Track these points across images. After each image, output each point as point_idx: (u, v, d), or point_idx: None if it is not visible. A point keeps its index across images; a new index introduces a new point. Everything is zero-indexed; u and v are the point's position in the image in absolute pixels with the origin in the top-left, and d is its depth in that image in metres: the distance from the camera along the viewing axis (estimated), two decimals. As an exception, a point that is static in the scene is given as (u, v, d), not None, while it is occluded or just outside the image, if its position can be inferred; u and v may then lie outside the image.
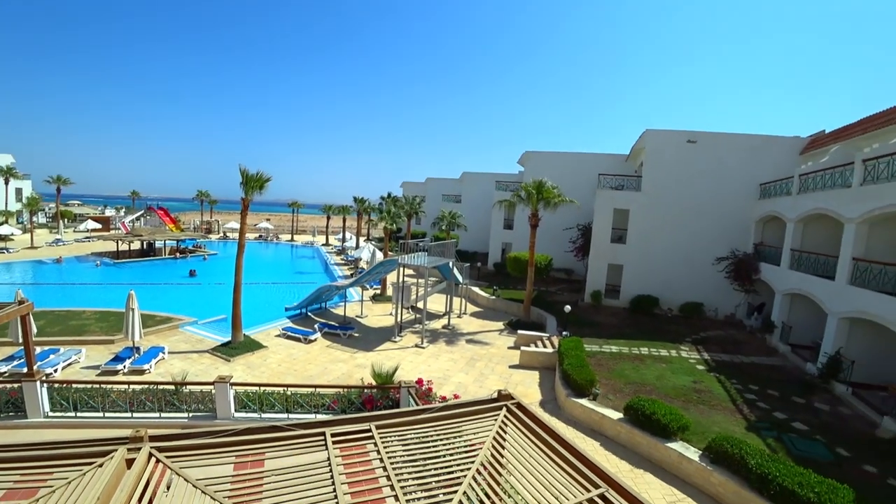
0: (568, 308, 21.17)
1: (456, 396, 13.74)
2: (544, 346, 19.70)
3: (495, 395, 6.49)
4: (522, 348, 19.22)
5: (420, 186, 62.31)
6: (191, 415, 13.23)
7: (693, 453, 11.00)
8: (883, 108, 18.80)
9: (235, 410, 13.19)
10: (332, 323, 23.03)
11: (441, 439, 5.51)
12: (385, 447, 5.21)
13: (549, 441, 5.22)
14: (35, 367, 13.15)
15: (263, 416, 13.18)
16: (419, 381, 13.17)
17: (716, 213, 25.67)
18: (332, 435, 5.35)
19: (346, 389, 13.45)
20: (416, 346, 20.68)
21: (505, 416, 5.98)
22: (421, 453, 5.19)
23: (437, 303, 27.61)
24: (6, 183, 55.34)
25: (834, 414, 13.85)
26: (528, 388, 16.36)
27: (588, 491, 4.35)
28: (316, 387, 13.54)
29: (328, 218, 64.50)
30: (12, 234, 47.66)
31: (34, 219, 54.78)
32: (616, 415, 13.00)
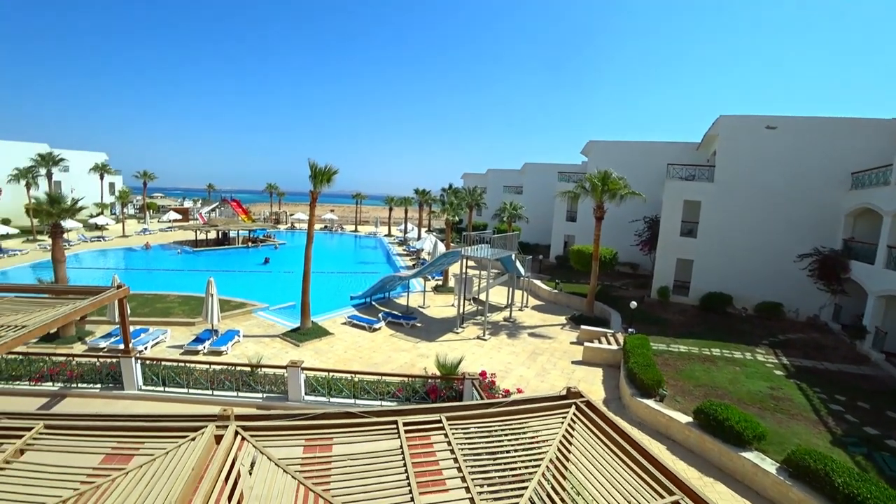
0: (634, 304, 20.61)
1: (519, 390, 13.84)
2: (608, 343, 19.30)
3: (564, 392, 6.46)
4: (586, 344, 18.92)
5: (481, 178, 62.24)
6: (265, 395, 14.10)
7: (770, 465, 10.40)
8: None
9: (305, 394, 13.89)
10: (396, 312, 23.66)
11: (508, 434, 5.55)
12: (455, 439, 5.31)
13: (620, 443, 5.15)
14: (130, 345, 14.43)
15: (332, 400, 13.80)
16: (482, 374, 13.33)
17: (798, 205, 23.78)
18: (405, 424, 5.48)
19: (410, 378, 13.83)
20: (478, 337, 20.87)
21: (574, 414, 5.94)
22: (489, 447, 5.27)
23: (498, 295, 27.67)
24: (101, 178, 60.96)
25: (935, 430, 12.65)
26: (591, 386, 16.14)
27: (661, 497, 4.27)
28: (382, 374, 14.06)
29: (390, 209, 65.84)
30: (107, 224, 52.53)
31: (125, 210, 60.03)
32: (685, 418, 12.54)
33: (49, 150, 49.90)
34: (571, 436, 5.48)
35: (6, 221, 47.90)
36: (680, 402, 13.63)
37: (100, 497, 4.10)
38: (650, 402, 13.47)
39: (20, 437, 4.87)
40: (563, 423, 5.76)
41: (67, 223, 30.87)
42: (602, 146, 36.97)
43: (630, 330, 19.26)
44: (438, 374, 13.87)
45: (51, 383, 14.46)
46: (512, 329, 22.50)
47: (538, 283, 30.52)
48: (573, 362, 18.33)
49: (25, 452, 4.79)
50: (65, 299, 12.11)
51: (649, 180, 30.22)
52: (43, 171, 47.15)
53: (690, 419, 12.41)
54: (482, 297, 22.92)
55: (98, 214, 55.21)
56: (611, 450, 5.11)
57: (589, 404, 6.10)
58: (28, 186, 45.87)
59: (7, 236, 42.83)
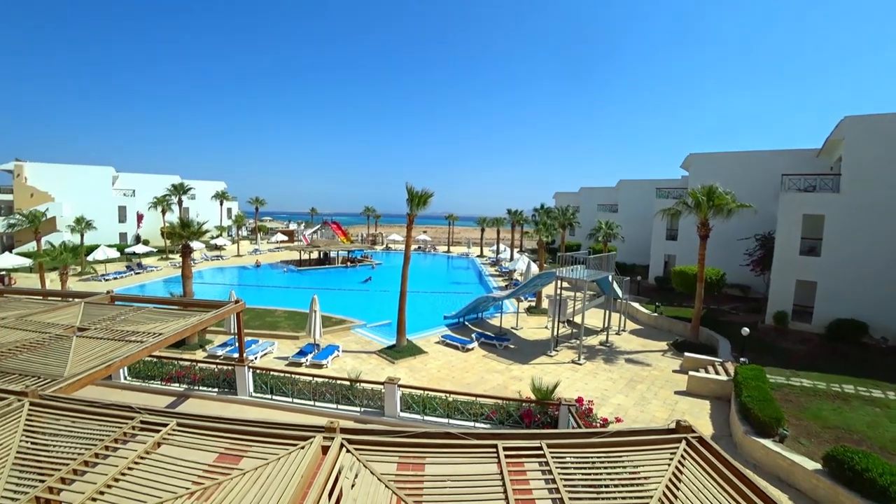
0: (746, 330, 18.96)
1: (618, 420, 13.29)
2: (716, 373, 17.89)
3: (672, 425, 6.11)
4: (690, 373, 17.70)
5: (573, 196, 61.16)
6: (362, 409, 14.73)
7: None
8: None
9: (401, 410, 14.32)
10: (489, 333, 23.76)
11: (608, 467, 5.29)
12: (557, 468, 5.20)
13: (741, 488, 4.72)
14: (244, 355, 15.86)
15: (426, 418, 14.07)
16: (579, 400, 13.00)
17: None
18: (505, 448, 5.36)
19: (505, 401, 13.79)
20: (573, 361, 20.34)
21: (685, 450, 5.57)
22: (586, 479, 5.05)
23: (594, 318, 26.80)
24: (221, 204, 68.53)
25: None
26: (697, 419, 15.02)
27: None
28: (476, 396, 14.14)
29: (482, 230, 66.45)
30: (224, 245, 59.23)
31: (239, 232, 66.76)
32: (811, 464, 11.17)
33: (180, 180, 57.06)
34: (681, 473, 5.15)
35: (146, 242, 55.21)
36: (805, 444, 12.26)
37: (220, 492, 4.57)
38: (768, 443, 12.24)
39: (158, 431, 5.59)
40: (671, 459, 5.43)
41: (194, 244, 34.83)
42: (704, 159, 34.84)
43: (742, 359, 17.72)
44: (533, 397, 13.72)
45: (178, 384, 16.38)
46: (608, 354, 21.66)
47: (636, 305, 29.11)
48: (676, 392, 17.22)
49: (161, 445, 5.45)
50: (192, 311, 13.73)
51: (760, 193, 27.89)
52: (175, 198, 54.07)
53: (818, 466, 11.04)
54: (577, 319, 22.36)
55: (218, 236, 61.83)
56: (729, 495, 4.72)
57: (702, 441, 5.68)
58: (163, 212, 53.48)
59: (147, 255, 49.65)
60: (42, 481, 4.77)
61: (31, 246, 38.20)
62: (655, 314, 27.24)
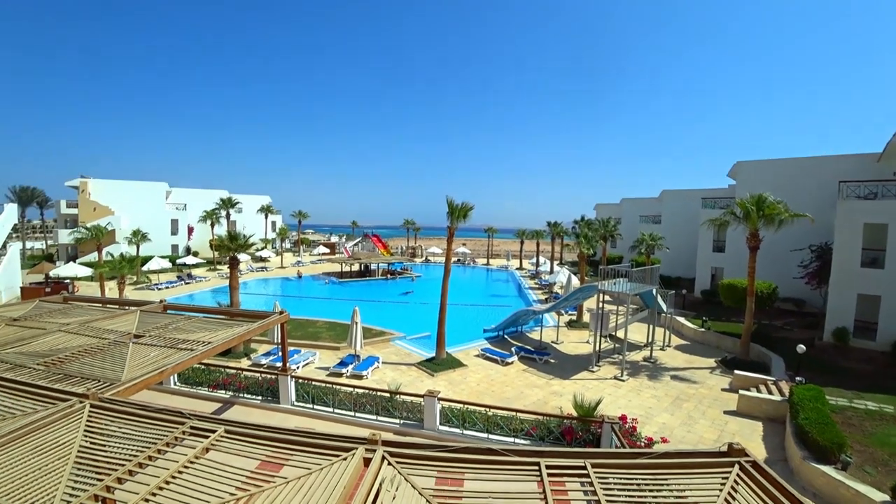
0: (801, 348, 17.99)
1: (663, 440, 12.85)
2: (769, 392, 17.03)
3: (723, 447, 5.85)
4: (741, 392, 16.90)
5: (614, 208, 60.05)
6: (402, 421, 14.74)
7: None
8: None
9: (440, 424, 14.26)
10: (529, 347, 23.49)
11: (653, 489, 5.11)
12: (601, 489, 5.02)
13: None
14: (287, 365, 16.24)
15: (465, 432, 13.95)
16: (622, 418, 12.63)
17: None
18: (547, 467, 5.25)
19: (546, 417, 13.56)
20: (615, 378, 19.81)
21: (738, 475, 5.32)
22: (633, 502, 4.89)
23: (637, 332, 26.06)
24: (266, 217, 71.05)
25: None
26: (748, 442, 14.30)
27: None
28: (517, 411, 13.93)
29: (522, 242, 66.01)
30: (269, 257, 61.34)
31: (283, 244, 68.87)
32: (880, 496, 10.30)
33: (228, 195, 59.40)
34: (733, 500, 4.92)
35: (195, 253, 57.93)
36: (871, 473, 11.44)
37: (265, 500, 4.68)
38: (828, 470, 11.46)
39: (206, 437, 5.82)
40: (723, 485, 5.18)
41: (241, 256, 36.15)
42: (752, 167, 33.49)
43: (798, 379, 16.75)
44: (575, 414, 13.44)
45: (224, 391, 16.95)
46: (653, 370, 20.98)
47: (682, 320, 28.14)
48: (725, 412, 16.47)
49: (209, 451, 5.66)
50: (238, 321, 14.21)
51: (814, 202, 26.56)
52: (223, 212, 56.38)
53: (887, 497, 10.18)
54: (619, 334, 21.82)
55: (262, 248, 64.08)
56: (786, 526, 4.47)
57: (757, 466, 5.38)
58: (212, 225, 56.01)
59: (197, 265, 52.35)
60: (100, 480, 5.06)
61: (92, 256, 40.77)
62: (702, 329, 26.24)
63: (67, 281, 37.04)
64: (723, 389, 18.63)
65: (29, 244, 73.25)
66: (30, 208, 70.94)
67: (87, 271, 35.88)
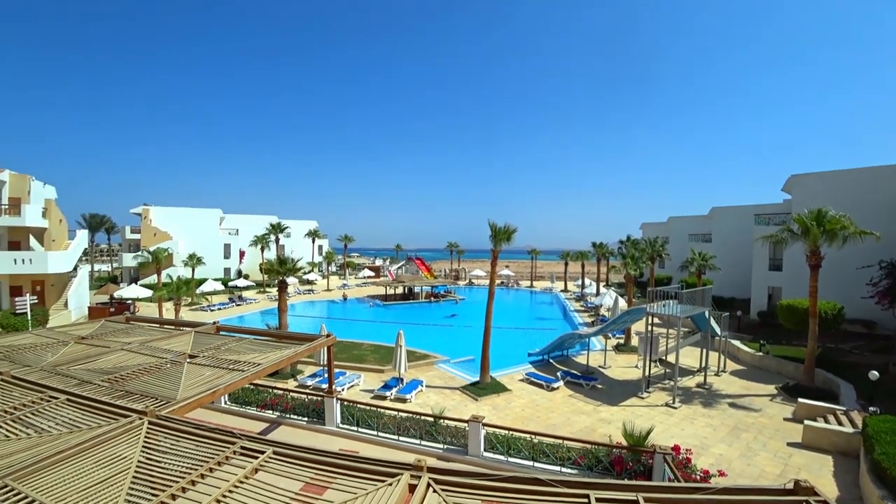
0: (874, 374, 16.74)
1: (721, 473, 12.18)
2: (839, 423, 15.84)
3: (789, 484, 5.43)
4: (806, 422, 15.78)
5: (661, 227, 58.53)
6: (445, 446, 14.61)
7: None
8: None
9: (484, 450, 14.04)
10: (575, 372, 22.92)
11: None
12: None
13: None
14: (333, 387, 16.48)
15: (510, 459, 13.69)
16: (676, 448, 12.06)
17: None
18: (598, 500, 4.99)
19: (594, 446, 13.15)
20: (667, 405, 18.98)
21: None
22: None
23: (689, 357, 24.96)
24: (313, 241, 73.22)
25: None
26: (817, 478, 13.30)
27: None
28: (564, 439, 13.53)
29: (566, 264, 65.12)
30: (315, 280, 63.09)
31: (329, 268, 70.66)
32: None
33: (278, 220, 61.89)
34: None
35: (246, 276, 60.40)
36: (957, 513, 10.45)
37: None
38: (910, 509, 10.56)
39: (256, 457, 5.95)
40: None
41: (289, 279, 37.45)
42: (809, 180, 32.03)
43: (872, 409, 15.52)
44: (624, 443, 12.95)
45: (271, 411, 17.34)
46: (707, 397, 20.00)
47: (737, 343, 26.79)
48: (789, 444, 15.41)
49: (258, 472, 5.76)
50: (287, 343, 14.61)
51: (881, 215, 25.19)
52: (273, 237, 58.69)
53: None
54: (670, 358, 21.01)
55: (309, 272, 65.92)
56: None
57: None
58: (262, 249, 58.47)
59: (247, 288, 54.76)
60: (155, 495, 5.26)
61: (152, 278, 43.47)
62: (760, 353, 24.85)
63: (129, 301, 39.45)
64: (785, 419, 17.51)
65: (96, 266, 78.72)
66: (98, 233, 76.59)
67: (147, 292, 38.20)
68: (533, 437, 13.80)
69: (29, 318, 27.33)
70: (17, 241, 35.43)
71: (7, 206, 33.78)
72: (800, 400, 17.75)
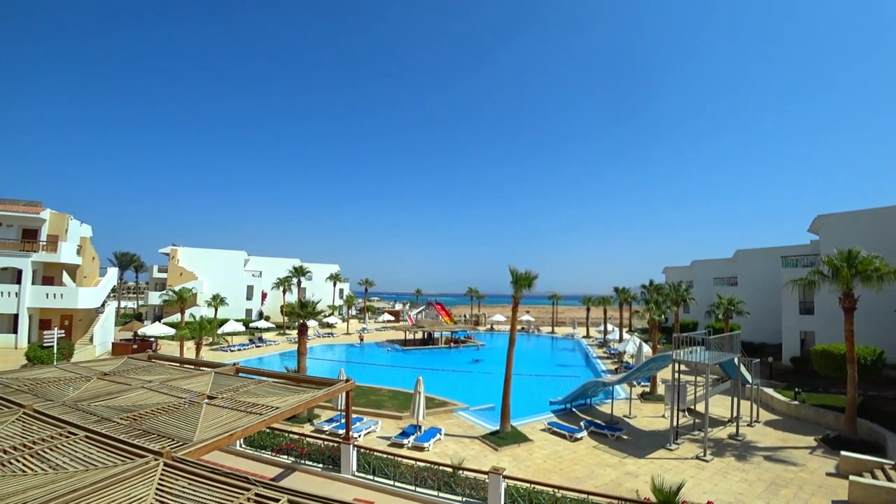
0: (922, 425, 15.66)
1: (759, 534, 11.30)
2: (888, 479, 14.66)
3: None
4: (851, 478, 14.62)
5: (685, 271, 57.70)
6: (464, 500, 13.87)
7: None
8: None
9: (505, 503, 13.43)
10: (599, 422, 22.02)
11: None
12: None
13: None
14: (350, 433, 16.06)
15: (531, 515, 12.99)
16: (708, 506, 11.33)
17: None
18: None
19: (621, 502, 12.38)
20: (697, 457, 17.96)
21: None
22: None
23: (719, 406, 23.88)
24: (334, 285, 73.89)
25: None
26: (868, 538, 12.29)
27: None
28: (589, 493, 12.82)
29: (588, 309, 64.28)
30: (335, 323, 63.38)
31: (350, 311, 70.90)
32: None
33: (300, 263, 62.90)
34: None
35: (267, 318, 60.89)
36: None
37: None
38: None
39: None
40: None
41: (309, 322, 37.71)
42: (837, 220, 31.53)
43: (921, 463, 14.46)
44: (654, 499, 12.22)
45: (286, 456, 16.80)
46: (740, 449, 18.90)
47: (770, 392, 25.55)
48: (834, 502, 14.29)
49: None
50: (305, 387, 14.42)
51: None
52: (295, 279, 59.48)
53: None
54: (699, 407, 20.08)
55: (330, 315, 66.21)
56: None
57: None
58: (284, 291, 59.18)
59: (268, 330, 55.01)
60: None
61: (176, 317, 44.18)
62: (796, 402, 23.61)
63: (152, 339, 40.03)
64: (828, 474, 16.35)
65: (123, 303, 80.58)
66: (127, 271, 78.95)
67: (170, 331, 38.85)
68: (556, 491, 13.09)
69: (55, 351, 27.91)
70: (50, 276, 36.97)
71: (45, 243, 35.35)
72: (843, 453, 16.61)
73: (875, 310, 25.10)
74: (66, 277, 37.52)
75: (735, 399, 21.74)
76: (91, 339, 36.94)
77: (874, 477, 14.98)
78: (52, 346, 27.80)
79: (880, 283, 18.99)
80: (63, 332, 31.00)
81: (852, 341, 19.38)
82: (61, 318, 35.78)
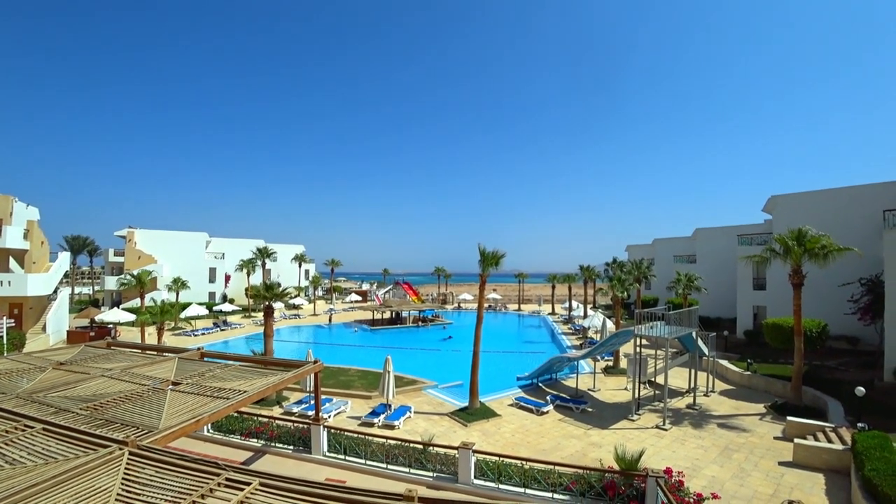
0: (861, 390, 16.79)
1: (714, 496, 12.00)
2: (828, 441, 15.82)
3: None
4: (796, 441, 15.72)
5: (647, 249, 59.28)
6: (435, 475, 14.17)
7: None
8: None
9: (475, 477, 13.67)
10: (564, 395, 22.71)
11: None
12: None
13: None
14: (320, 414, 16.11)
15: (501, 486, 13.35)
16: (668, 471, 11.89)
17: None
18: None
19: (586, 471, 12.90)
20: (657, 427, 18.84)
21: None
22: None
23: (678, 378, 24.96)
24: (300, 266, 72.65)
25: None
26: (809, 496, 13.18)
27: None
28: (555, 464, 13.24)
29: (553, 287, 65.44)
30: (301, 304, 62.38)
31: (316, 292, 70.06)
32: None
33: (264, 244, 61.47)
34: None
35: (231, 301, 59.61)
36: (950, 529, 10.39)
37: None
38: (903, 526, 10.49)
39: (241, 489, 5.75)
40: None
41: (275, 304, 37.18)
42: (789, 200, 32.79)
43: (860, 425, 15.52)
44: (616, 467, 12.76)
45: (256, 440, 16.74)
46: (697, 418, 19.91)
47: (725, 363, 26.87)
48: (780, 463, 15.31)
49: None
50: (273, 370, 14.28)
51: (860, 234, 25.68)
52: (259, 261, 58.14)
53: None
54: (660, 379, 20.94)
55: (296, 296, 65.23)
56: None
57: None
58: (248, 273, 57.74)
59: (232, 313, 54.09)
60: None
61: (135, 302, 42.61)
62: (748, 373, 24.95)
63: (111, 326, 38.60)
64: (775, 438, 17.46)
65: (77, 289, 77.04)
66: (80, 255, 75.25)
67: (130, 317, 37.50)
68: (524, 463, 13.48)
69: (4, 342, 26.56)
70: (-6, 262, 34.76)
71: (-13, 228, 33.24)
72: (789, 418, 17.76)
73: (820, 285, 26.53)
74: (13, 263, 35.49)
75: (693, 371, 22.77)
76: (44, 328, 35.25)
77: (816, 439, 16.11)
78: (2, 337, 26.42)
79: (825, 261, 20.06)
80: (13, 321, 29.53)
81: (800, 315, 20.49)
82: (10, 306, 33.89)
